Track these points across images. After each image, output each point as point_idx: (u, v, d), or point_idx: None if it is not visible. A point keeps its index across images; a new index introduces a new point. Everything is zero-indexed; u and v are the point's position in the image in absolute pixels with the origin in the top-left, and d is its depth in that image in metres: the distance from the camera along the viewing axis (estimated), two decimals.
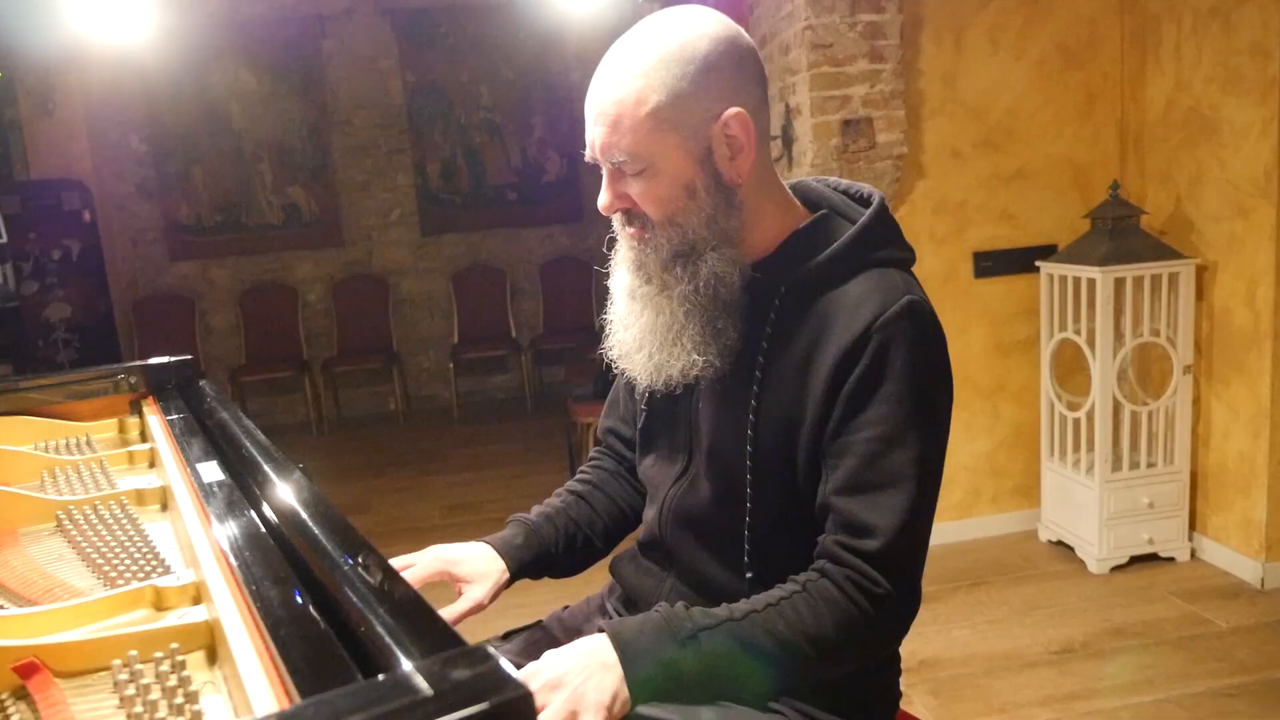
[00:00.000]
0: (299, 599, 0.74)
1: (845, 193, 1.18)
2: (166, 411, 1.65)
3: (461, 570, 1.22)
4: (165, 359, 1.87)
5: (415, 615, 0.68)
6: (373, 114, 5.96)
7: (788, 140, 3.13)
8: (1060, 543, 3.25)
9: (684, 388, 1.15)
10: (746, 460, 1.09)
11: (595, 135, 1.06)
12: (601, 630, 1.02)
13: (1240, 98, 2.77)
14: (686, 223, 1.05)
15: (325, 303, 6.10)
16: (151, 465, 1.52)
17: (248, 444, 1.29)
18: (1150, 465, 3.08)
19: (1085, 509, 3.09)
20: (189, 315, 5.92)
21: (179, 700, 0.73)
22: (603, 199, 1.10)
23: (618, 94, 1.03)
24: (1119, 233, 2.96)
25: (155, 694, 0.74)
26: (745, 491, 1.10)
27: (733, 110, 1.03)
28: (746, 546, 1.11)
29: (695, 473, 1.16)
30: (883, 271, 1.07)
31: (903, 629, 1.07)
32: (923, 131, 3.10)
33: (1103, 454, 3.01)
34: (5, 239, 5.25)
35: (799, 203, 1.16)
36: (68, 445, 1.64)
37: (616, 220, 1.12)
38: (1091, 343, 3.01)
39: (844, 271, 1.07)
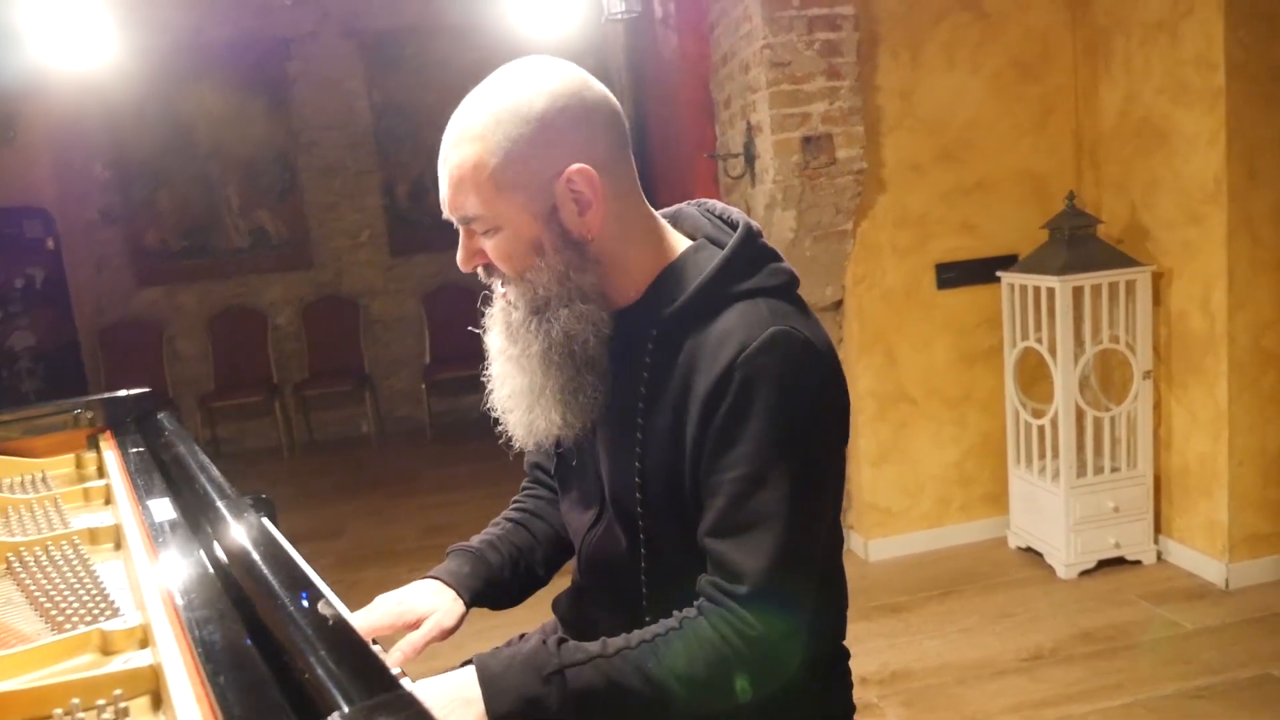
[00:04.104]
0: (241, 643, 0.74)
1: (721, 218, 1.16)
2: (123, 446, 1.63)
3: (416, 614, 1.19)
4: (123, 392, 1.86)
5: (356, 659, 0.68)
6: (340, 135, 5.95)
7: (749, 157, 3.16)
8: (1029, 549, 3.28)
9: (587, 435, 1.14)
10: (638, 508, 1.08)
11: (443, 195, 1.06)
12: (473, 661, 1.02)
13: (1189, 108, 2.82)
14: (537, 279, 1.04)
15: (295, 326, 6.06)
16: (107, 502, 1.51)
17: (202, 479, 1.28)
18: (1114, 470, 3.12)
19: (1052, 515, 3.12)
20: (156, 341, 5.86)
21: None
22: (459, 256, 1.09)
23: (457, 157, 1.03)
24: (1076, 242, 3.01)
25: None
26: (639, 539, 1.10)
27: (575, 166, 1.01)
28: (644, 592, 1.11)
29: (608, 521, 1.16)
30: (750, 303, 1.04)
31: (780, 669, 1.04)
32: (882, 146, 3.14)
33: (1067, 460, 3.04)
34: None
35: (677, 237, 1.13)
36: (23, 483, 1.62)
37: (480, 274, 1.11)
38: (1053, 351, 3.05)
39: (709, 308, 1.05)
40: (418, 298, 6.13)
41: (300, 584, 0.82)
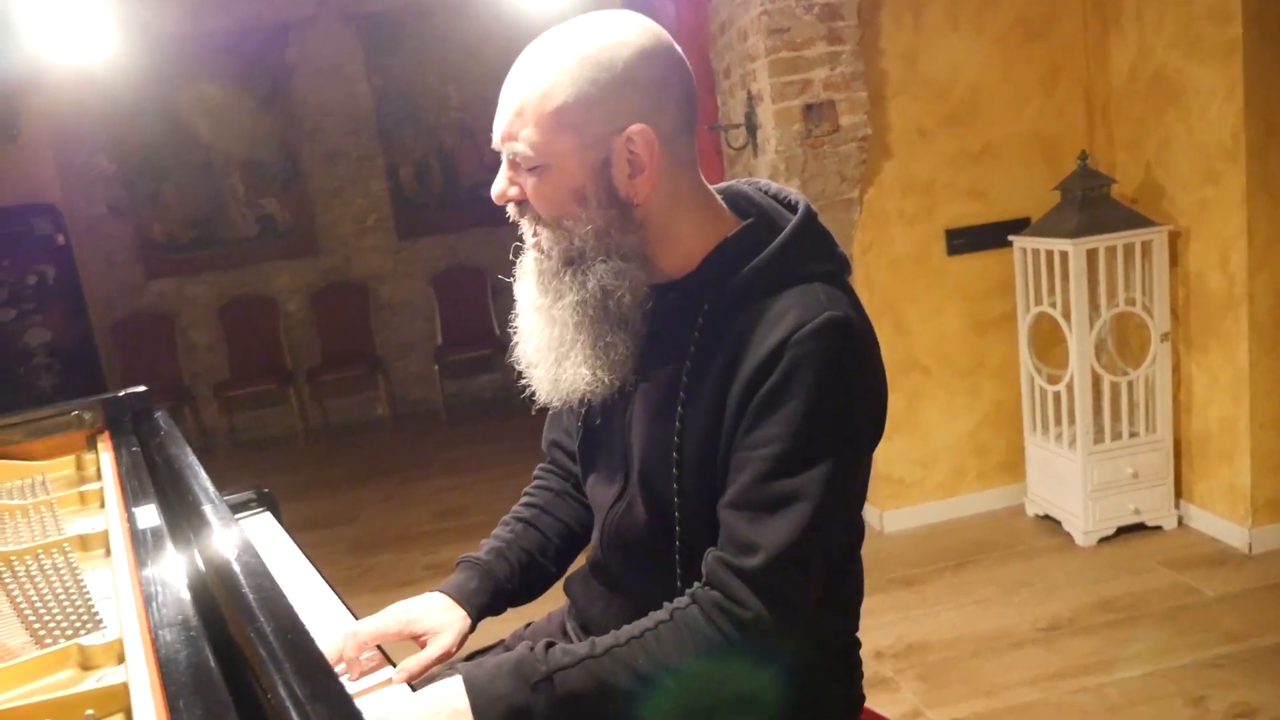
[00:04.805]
0: (205, 663, 0.72)
1: (775, 198, 1.14)
2: (118, 448, 1.62)
3: (424, 626, 1.19)
4: (119, 393, 1.84)
5: (320, 682, 0.66)
6: (341, 120, 5.91)
7: (751, 128, 3.10)
8: (1047, 517, 3.24)
9: (617, 407, 1.13)
10: (673, 482, 1.06)
11: (499, 121, 1.03)
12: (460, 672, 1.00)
13: (1203, 62, 2.74)
14: (575, 229, 1.02)
15: (306, 312, 6.07)
16: (103, 505, 1.50)
17: (192, 485, 1.27)
18: (1133, 435, 3.07)
19: (1069, 482, 3.07)
20: (169, 333, 5.89)
21: None
22: (496, 185, 1.06)
23: (527, 84, 1.00)
24: (1089, 203, 2.93)
25: None
26: (674, 515, 1.07)
27: (638, 127, 0.99)
28: (679, 571, 1.09)
29: (631, 496, 1.13)
30: (806, 286, 1.03)
31: (773, 655, 1.02)
32: (887, 112, 3.07)
33: (1084, 426, 2.99)
34: None
35: (730, 213, 1.11)
36: (22, 488, 1.61)
37: (511, 211, 1.08)
38: (1067, 315, 2.99)
39: (766, 287, 1.03)
40: (427, 280, 6.11)
41: (274, 601, 0.80)
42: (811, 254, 1.07)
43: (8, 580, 1.16)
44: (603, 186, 1.01)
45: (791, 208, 1.11)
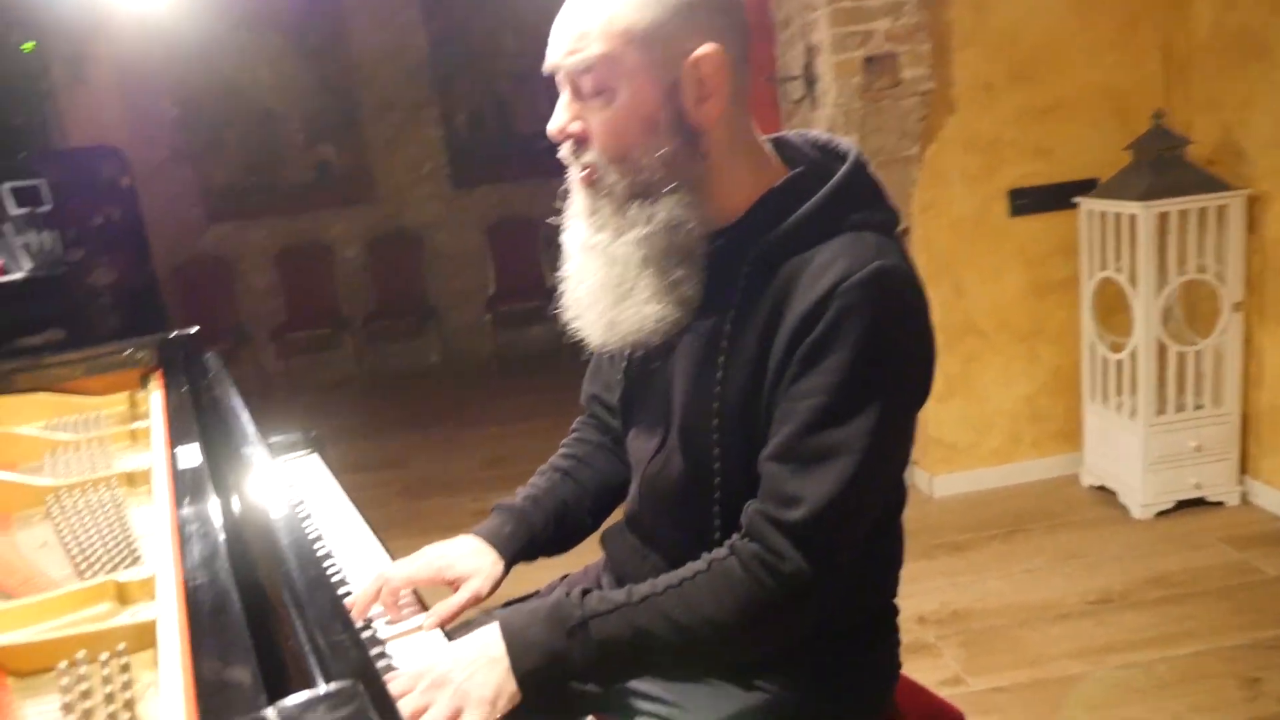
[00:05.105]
0: (230, 604, 0.72)
1: (824, 148, 1.10)
2: (169, 388, 1.65)
3: (456, 571, 1.21)
4: (173, 333, 1.88)
5: (339, 631, 0.66)
6: (397, 68, 5.89)
7: (809, 80, 3.01)
8: (1103, 488, 3.15)
9: (660, 358, 1.11)
10: (714, 434, 1.04)
11: (560, 44, 0.99)
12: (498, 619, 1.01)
13: None
14: (642, 160, 0.98)
15: (361, 259, 6.13)
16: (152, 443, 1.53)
17: (234, 426, 1.28)
18: (1198, 407, 2.96)
19: (1128, 453, 2.98)
20: (229, 277, 6.00)
21: (115, 706, 0.72)
22: (555, 120, 1.02)
23: (589, 9, 0.97)
24: (1163, 165, 2.80)
25: (96, 698, 0.74)
26: (714, 467, 1.06)
27: (709, 48, 0.96)
28: (717, 522, 1.07)
29: (670, 449, 1.11)
30: (855, 235, 0.99)
31: (811, 609, 1.00)
32: (951, 65, 2.95)
33: (1146, 396, 2.89)
34: (50, 206, 5.36)
35: (778, 161, 1.08)
36: (75, 423, 1.66)
37: (565, 151, 1.04)
38: (1134, 282, 2.87)
39: (813, 236, 1.00)
40: (481, 230, 6.12)
41: (304, 549, 0.80)
42: (861, 203, 1.03)
43: (55, 513, 1.19)
44: (673, 112, 0.98)
45: (841, 158, 1.07)
